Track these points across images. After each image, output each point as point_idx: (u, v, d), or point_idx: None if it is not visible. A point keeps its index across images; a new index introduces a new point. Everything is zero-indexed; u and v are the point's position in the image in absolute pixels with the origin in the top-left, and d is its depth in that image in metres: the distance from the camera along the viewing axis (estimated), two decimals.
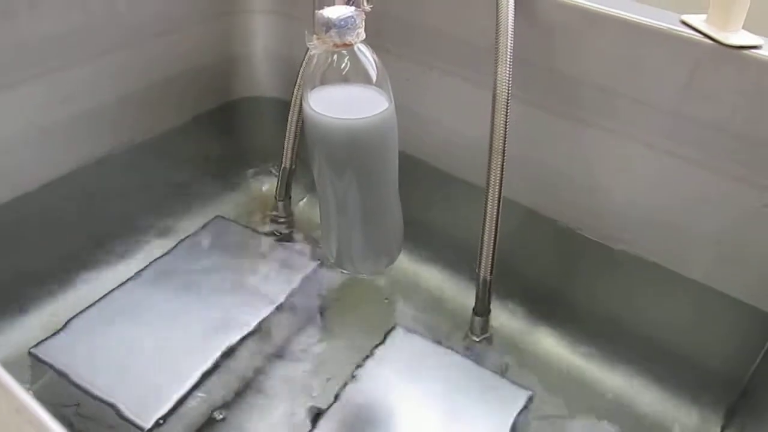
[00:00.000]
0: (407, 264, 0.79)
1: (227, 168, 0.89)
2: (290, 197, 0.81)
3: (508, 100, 0.60)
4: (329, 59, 0.51)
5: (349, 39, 0.50)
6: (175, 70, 0.79)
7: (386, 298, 0.75)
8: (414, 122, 0.74)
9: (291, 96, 0.74)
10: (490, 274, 0.65)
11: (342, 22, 0.49)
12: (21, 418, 0.25)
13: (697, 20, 0.57)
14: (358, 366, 0.64)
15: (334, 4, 0.50)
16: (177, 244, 0.74)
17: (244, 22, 0.84)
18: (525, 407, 0.62)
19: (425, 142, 0.76)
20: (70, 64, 0.69)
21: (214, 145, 0.87)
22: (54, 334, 0.63)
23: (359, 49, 0.51)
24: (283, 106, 0.76)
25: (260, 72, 0.87)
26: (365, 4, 0.50)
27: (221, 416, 0.63)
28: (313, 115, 0.52)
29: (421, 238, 0.78)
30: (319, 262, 0.72)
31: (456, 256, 0.77)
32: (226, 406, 0.64)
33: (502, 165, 0.61)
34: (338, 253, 0.59)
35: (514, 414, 0.61)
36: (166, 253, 0.72)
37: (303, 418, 0.64)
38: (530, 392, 0.63)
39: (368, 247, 0.59)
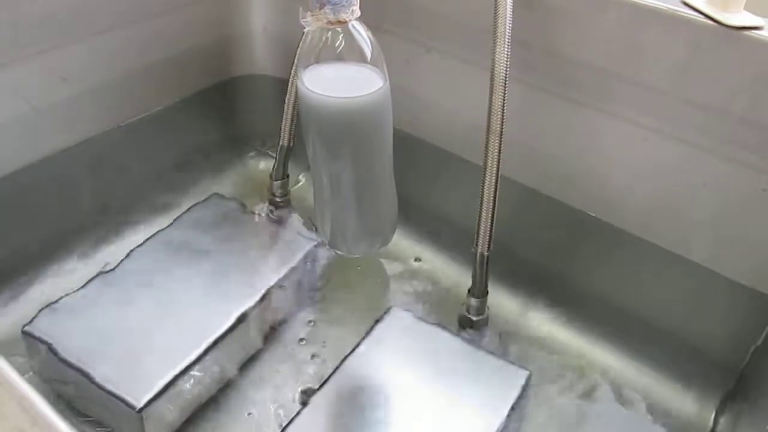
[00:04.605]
0: (404, 244, 0.79)
1: (224, 146, 0.89)
2: (287, 176, 0.80)
3: (506, 81, 0.59)
4: (323, 37, 0.51)
5: (343, 16, 0.49)
6: (174, 49, 0.79)
7: (379, 277, 0.75)
8: (412, 103, 0.74)
9: (289, 74, 0.73)
10: (488, 250, 0.64)
11: None
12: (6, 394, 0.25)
13: (698, 1, 0.56)
14: (354, 347, 0.64)
15: None
16: (172, 222, 0.73)
17: (242, 1, 0.83)
18: (523, 388, 0.61)
19: (423, 122, 0.76)
20: (68, 43, 0.68)
21: (211, 123, 0.87)
22: (48, 312, 0.62)
23: (354, 26, 0.51)
24: (281, 84, 0.76)
25: (259, 51, 0.86)
26: None
27: (215, 396, 0.64)
28: (307, 93, 0.52)
29: (418, 217, 0.78)
30: (315, 242, 0.72)
31: (453, 237, 0.77)
32: (219, 386, 0.64)
33: (500, 146, 0.61)
34: (332, 234, 0.59)
35: (513, 395, 0.60)
36: (161, 231, 0.72)
37: (296, 397, 0.64)
38: (528, 373, 0.63)
39: (362, 228, 0.59)
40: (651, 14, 0.57)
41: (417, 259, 0.78)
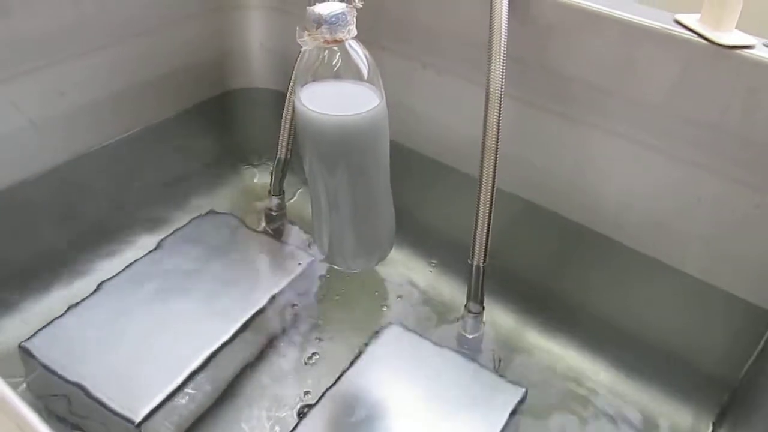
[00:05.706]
0: (401, 259, 0.79)
1: (221, 159, 0.89)
2: (284, 191, 0.80)
3: (501, 97, 0.60)
4: (320, 56, 0.51)
5: (340, 35, 0.50)
6: (171, 63, 0.79)
7: (376, 292, 0.75)
8: (409, 117, 0.75)
9: (286, 88, 0.74)
10: (483, 262, 0.64)
11: (333, 18, 0.49)
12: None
13: (690, 19, 0.57)
14: (351, 362, 0.64)
15: (325, 0, 0.50)
16: (168, 236, 0.73)
17: (239, 18, 0.84)
18: (519, 404, 0.61)
19: (420, 136, 0.76)
20: (67, 58, 0.69)
21: (208, 136, 0.87)
22: (44, 328, 0.62)
23: (350, 45, 0.51)
24: (278, 97, 0.76)
25: (256, 66, 0.87)
26: (356, 0, 0.50)
27: (211, 411, 0.64)
28: (304, 111, 0.52)
29: (416, 231, 0.78)
30: (312, 257, 0.72)
31: (451, 250, 0.77)
32: (216, 400, 0.64)
33: (495, 161, 0.61)
34: (330, 249, 0.59)
35: (508, 410, 0.60)
36: (157, 247, 0.72)
37: (292, 413, 0.64)
38: (524, 389, 0.63)
39: (360, 243, 0.59)
40: (644, 32, 0.58)
41: (415, 273, 0.78)
